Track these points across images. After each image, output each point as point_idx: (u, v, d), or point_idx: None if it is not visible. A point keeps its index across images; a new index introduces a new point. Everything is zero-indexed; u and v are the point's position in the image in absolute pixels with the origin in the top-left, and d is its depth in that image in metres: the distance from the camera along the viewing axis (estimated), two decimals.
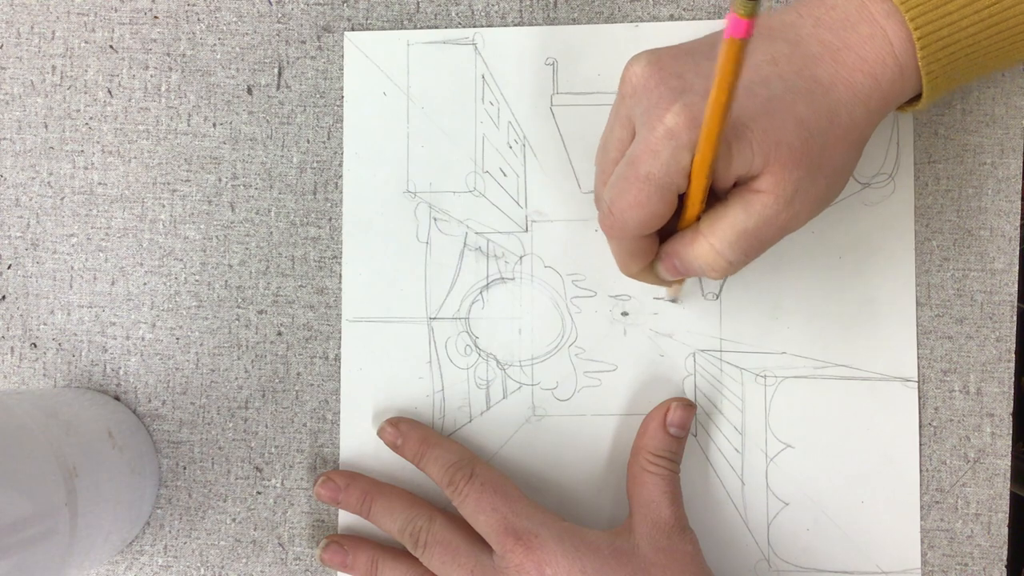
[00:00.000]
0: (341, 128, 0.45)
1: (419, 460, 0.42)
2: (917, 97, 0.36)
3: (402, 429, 0.43)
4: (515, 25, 0.44)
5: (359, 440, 0.44)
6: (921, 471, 0.43)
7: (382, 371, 0.44)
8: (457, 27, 0.44)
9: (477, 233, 0.44)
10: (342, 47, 0.45)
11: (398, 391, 0.44)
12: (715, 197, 0.35)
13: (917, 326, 0.43)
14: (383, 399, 0.44)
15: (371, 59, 0.44)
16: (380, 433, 0.43)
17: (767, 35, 0.35)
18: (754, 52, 0.34)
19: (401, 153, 0.44)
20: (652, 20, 0.44)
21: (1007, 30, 0.34)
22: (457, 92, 0.44)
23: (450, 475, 0.40)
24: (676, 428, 0.41)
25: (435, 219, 0.44)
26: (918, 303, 0.43)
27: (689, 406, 0.42)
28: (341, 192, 0.45)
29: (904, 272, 0.43)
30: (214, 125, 0.45)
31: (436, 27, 0.45)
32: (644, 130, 0.33)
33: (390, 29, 0.45)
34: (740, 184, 0.34)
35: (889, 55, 0.34)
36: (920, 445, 0.43)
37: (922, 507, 0.43)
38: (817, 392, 0.43)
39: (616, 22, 0.44)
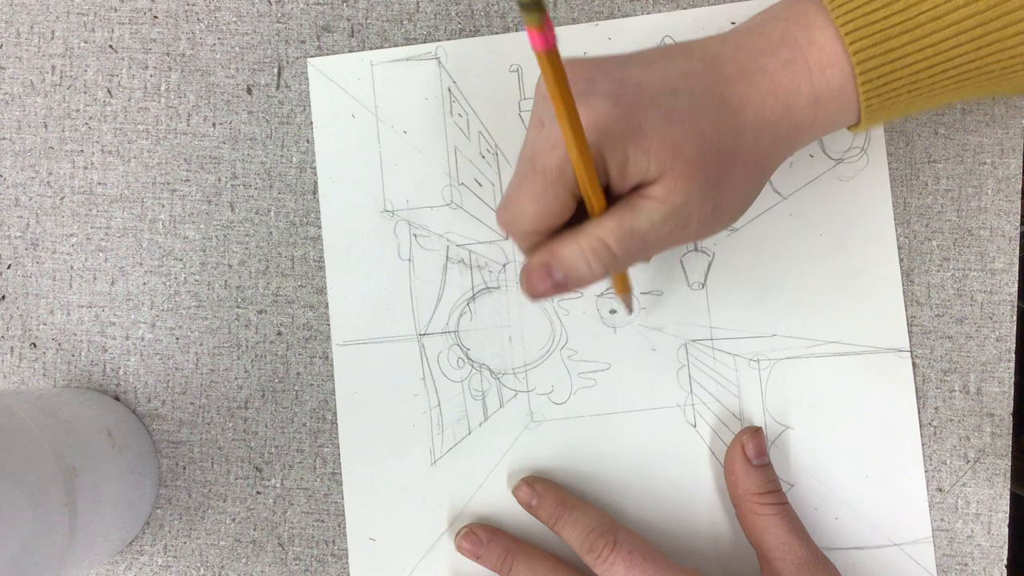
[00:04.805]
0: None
1: (555, 522, 0.41)
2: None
3: (538, 489, 0.42)
4: (514, 25, 0.44)
5: (360, 467, 0.44)
6: (924, 459, 0.43)
7: (377, 392, 0.44)
8: (457, 27, 0.44)
9: (458, 246, 0.44)
10: (342, 46, 0.45)
11: (395, 410, 0.44)
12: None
13: (906, 306, 0.43)
14: (380, 420, 0.44)
15: (336, 83, 0.44)
16: (515, 492, 0.43)
17: (685, 52, 0.35)
18: (668, 65, 0.34)
19: (375, 173, 0.44)
20: (650, 17, 0.44)
21: (952, 70, 0.33)
22: (425, 107, 0.44)
23: (591, 540, 0.39)
24: (760, 457, 0.41)
25: (415, 236, 0.44)
26: (918, 303, 0.43)
27: (756, 430, 0.42)
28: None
29: (886, 243, 0.43)
30: (214, 125, 0.45)
31: (436, 27, 0.45)
32: (549, 126, 0.33)
33: (390, 32, 0.45)
34: (637, 189, 0.34)
35: (805, 81, 0.34)
36: (920, 425, 0.43)
37: None
38: (811, 371, 0.43)
39: (616, 20, 0.44)
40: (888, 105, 0.35)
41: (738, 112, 0.34)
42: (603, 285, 0.44)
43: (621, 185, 0.34)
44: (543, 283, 0.35)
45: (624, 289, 0.41)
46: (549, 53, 0.27)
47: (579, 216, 0.35)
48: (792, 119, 0.34)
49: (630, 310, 0.43)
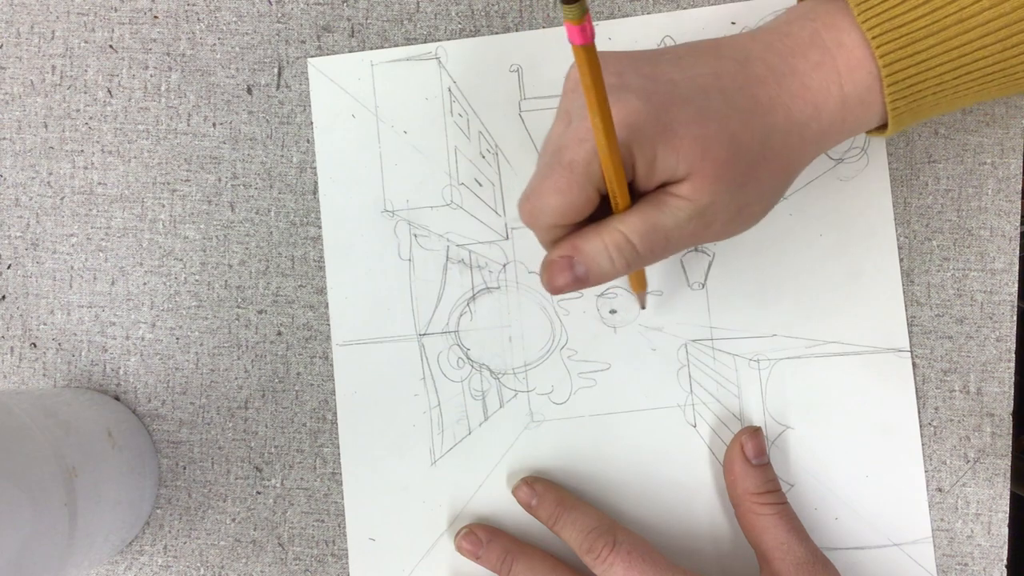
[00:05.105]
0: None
1: (554, 523, 0.41)
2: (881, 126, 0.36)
3: (537, 490, 0.42)
4: (514, 25, 0.44)
5: (360, 467, 0.44)
6: (924, 459, 0.43)
7: (377, 392, 0.44)
8: (457, 27, 0.45)
9: (459, 246, 0.44)
10: (342, 46, 0.45)
11: (395, 411, 0.44)
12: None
13: (906, 306, 0.43)
14: (380, 420, 0.44)
15: (336, 83, 0.44)
16: (515, 492, 0.43)
17: (715, 51, 0.35)
18: (700, 63, 0.34)
19: (375, 173, 0.44)
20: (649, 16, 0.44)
21: (976, 71, 0.34)
22: (425, 107, 0.44)
23: (590, 541, 0.39)
24: (759, 457, 0.41)
25: (415, 236, 0.44)
26: (918, 303, 0.43)
27: (756, 430, 0.42)
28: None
29: (886, 243, 0.43)
30: (214, 125, 0.45)
31: (436, 27, 0.45)
32: (576, 120, 0.33)
33: (389, 32, 0.45)
34: (663, 187, 0.34)
35: (834, 84, 0.34)
36: (920, 425, 0.43)
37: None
38: (811, 371, 0.43)
39: (617, 19, 0.44)
40: (914, 108, 0.35)
41: (768, 113, 0.34)
42: (604, 285, 0.44)
43: (647, 182, 0.34)
44: (563, 277, 0.35)
45: (640, 286, 0.41)
46: (587, 48, 0.27)
47: (600, 212, 0.35)
48: (820, 122, 0.34)
49: (643, 306, 0.43)
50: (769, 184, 0.35)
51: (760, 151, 0.34)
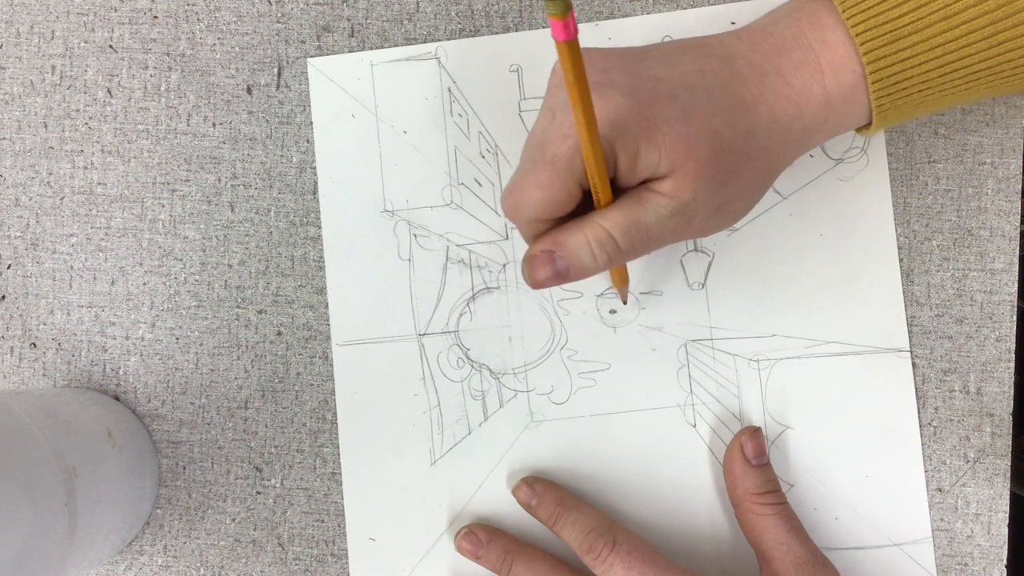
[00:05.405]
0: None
1: (554, 523, 0.41)
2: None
3: (537, 490, 0.42)
4: (514, 25, 0.44)
5: (360, 467, 0.44)
6: (924, 459, 0.43)
7: (377, 392, 0.44)
8: (457, 27, 0.45)
9: (458, 246, 0.44)
10: (342, 46, 0.45)
11: (395, 411, 0.44)
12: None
13: (906, 306, 0.43)
14: (380, 421, 0.44)
15: (336, 83, 0.44)
16: (515, 492, 0.43)
17: (702, 48, 0.35)
18: (686, 61, 0.34)
19: (375, 173, 0.44)
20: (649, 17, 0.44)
21: (962, 69, 0.34)
22: (425, 107, 0.44)
23: (590, 541, 0.39)
24: (759, 457, 0.41)
25: (415, 236, 0.44)
26: (918, 303, 0.43)
27: (755, 430, 0.42)
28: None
29: (886, 243, 0.43)
30: (214, 125, 0.45)
31: (436, 27, 0.45)
32: (560, 116, 0.33)
33: (389, 32, 0.45)
34: (645, 183, 0.34)
35: (816, 83, 0.34)
36: (920, 425, 0.43)
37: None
38: (811, 371, 0.43)
39: (616, 19, 0.44)
40: (899, 106, 0.34)
41: (751, 112, 0.34)
42: (604, 285, 0.44)
43: (629, 178, 0.34)
44: (544, 271, 0.35)
45: (622, 281, 0.41)
46: (570, 44, 0.27)
47: (582, 207, 0.35)
48: (803, 121, 0.34)
49: (625, 301, 0.44)
50: (750, 182, 0.35)
51: (742, 149, 0.34)
